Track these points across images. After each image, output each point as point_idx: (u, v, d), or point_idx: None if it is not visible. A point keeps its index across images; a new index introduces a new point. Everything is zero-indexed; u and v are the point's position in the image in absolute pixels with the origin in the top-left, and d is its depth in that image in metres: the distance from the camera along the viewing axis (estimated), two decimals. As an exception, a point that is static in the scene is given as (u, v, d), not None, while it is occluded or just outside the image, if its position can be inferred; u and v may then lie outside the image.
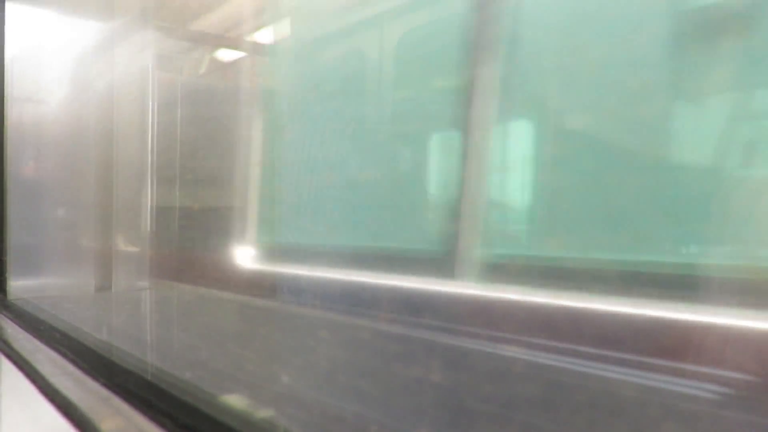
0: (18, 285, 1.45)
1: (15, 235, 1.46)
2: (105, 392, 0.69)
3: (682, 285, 0.66)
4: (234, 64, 1.55)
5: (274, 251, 1.28)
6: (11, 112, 1.46)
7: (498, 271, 0.85)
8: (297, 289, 1.06)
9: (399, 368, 0.74)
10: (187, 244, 1.40)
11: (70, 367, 0.82)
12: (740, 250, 0.63)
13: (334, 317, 0.97)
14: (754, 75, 0.65)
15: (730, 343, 0.56)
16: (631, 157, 0.74)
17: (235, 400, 0.63)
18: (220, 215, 1.40)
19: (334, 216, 1.07)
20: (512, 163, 0.90)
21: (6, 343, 1.00)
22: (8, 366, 0.91)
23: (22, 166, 1.48)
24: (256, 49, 1.45)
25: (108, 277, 1.50)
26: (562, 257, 0.79)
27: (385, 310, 0.86)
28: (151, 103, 1.42)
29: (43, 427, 0.77)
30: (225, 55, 1.60)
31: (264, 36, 1.43)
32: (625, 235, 0.74)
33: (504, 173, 0.90)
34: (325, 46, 1.18)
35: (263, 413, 0.60)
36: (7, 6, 1.50)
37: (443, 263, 0.87)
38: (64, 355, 0.88)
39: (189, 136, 1.40)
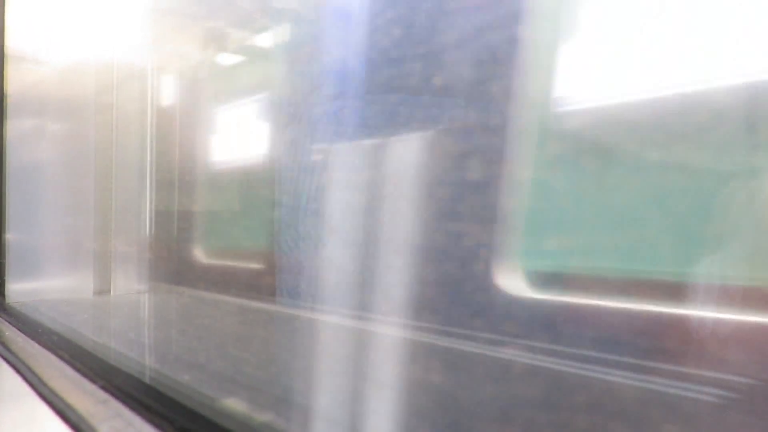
0: (16, 288, 1.45)
1: (14, 238, 1.45)
2: (103, 395, 0.69)
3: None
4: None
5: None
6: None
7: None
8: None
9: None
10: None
11: (69, 370, 0.81)
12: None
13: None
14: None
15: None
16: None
17: (234, 404, 0.63)
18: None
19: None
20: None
21: (4, 346, 1.00)
22: (6, 369, 0.91)
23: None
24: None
25: (107, 280, 1.50)
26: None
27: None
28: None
29: (40, 430, 0.77)
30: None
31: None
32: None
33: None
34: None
35: (262, 417, 0.60)
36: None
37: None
38: (62, 358, 0.88)
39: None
